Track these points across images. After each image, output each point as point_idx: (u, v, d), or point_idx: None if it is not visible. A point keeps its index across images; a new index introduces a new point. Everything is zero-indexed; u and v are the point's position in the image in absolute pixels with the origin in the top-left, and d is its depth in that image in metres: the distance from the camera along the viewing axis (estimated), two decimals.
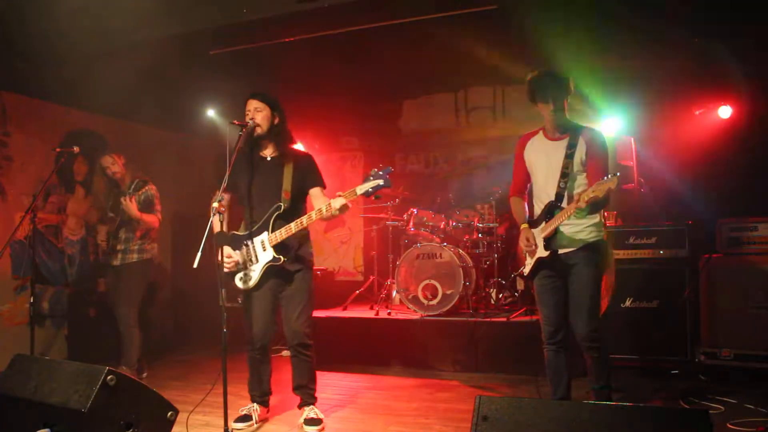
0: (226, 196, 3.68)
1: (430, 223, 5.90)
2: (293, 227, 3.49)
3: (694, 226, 4.74)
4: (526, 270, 3.46)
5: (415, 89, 7.06)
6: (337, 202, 3.36)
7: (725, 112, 5.53)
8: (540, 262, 3.36)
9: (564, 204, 3.26)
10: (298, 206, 3.66)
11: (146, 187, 4.91)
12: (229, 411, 3.28)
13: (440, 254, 5.45)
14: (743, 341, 4.33)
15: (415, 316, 5.42)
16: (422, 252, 5.53)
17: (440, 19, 4.65)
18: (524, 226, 3.44)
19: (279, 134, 3.70)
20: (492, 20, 4.62)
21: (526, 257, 3.48)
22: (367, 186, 3.24)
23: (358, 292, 6.34)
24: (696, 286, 4.57)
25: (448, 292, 5.34)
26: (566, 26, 4.77)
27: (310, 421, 3.65)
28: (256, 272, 3.58)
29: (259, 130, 3.63)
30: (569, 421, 2.07)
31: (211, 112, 6.53)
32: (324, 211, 3.41)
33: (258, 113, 3.63)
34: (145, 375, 5.01)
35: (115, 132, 6.34)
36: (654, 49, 5.01)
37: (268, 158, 3.72)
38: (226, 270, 3.57)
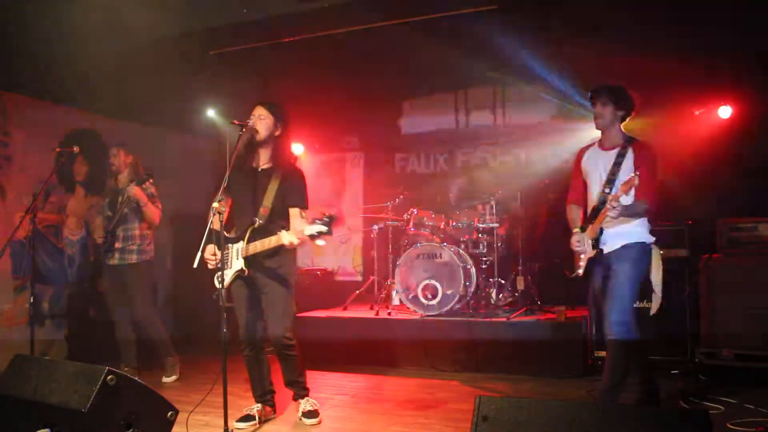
0: (227, 198, 3.73)
1: (430, 223, 5.89)
2: (258, 246, 3.53)
3: (694, 226, 4.74)
4: (581, 271, 3.56)
5: (415, 89, 7.06)
6: (285, 238, 3.39)
7: (725, 112, 5.52)
8: (591, 261, 3.49)
9: None
10: (278, 223, 3.60)
11: (148, 183, 4.82)
12: (228, 411, 3.28)
13: (440, 254, 5.45)
14: (743, 341, 4.33)
15: (415, 316, 5.42)
16: (422, 252, 5.52)
17: (440, 19, 4.66)
18: (576, 229, 3.59)
19: (276, 147, 3.70)
20: (492, 20, 4.63)
21: (579, 260, 3.58)
22: (313, 229, 3.26)
23: (358, 292, 6.34)
24: (696, 286, 4.57)
25: (448, 292, 5.34)
26: (566, 26, 4.77)
27: (308, 414, 3.75)
28: (228, 276, 3.64)
29: (257, 137, 3.63)
30: (569, 421, 2.07)
31: (211, 112, 6.52)
32: (276, 240, 3.46)
33: (261, 121, 3.63)
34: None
35: (115, 132, 6.33)
36: (654, 49, 5.01)
37: (260, 169, 3.72)
38: (209, 266, 3.63)
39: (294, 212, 3.64)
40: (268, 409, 3.84)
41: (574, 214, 3.71)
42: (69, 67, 4.97)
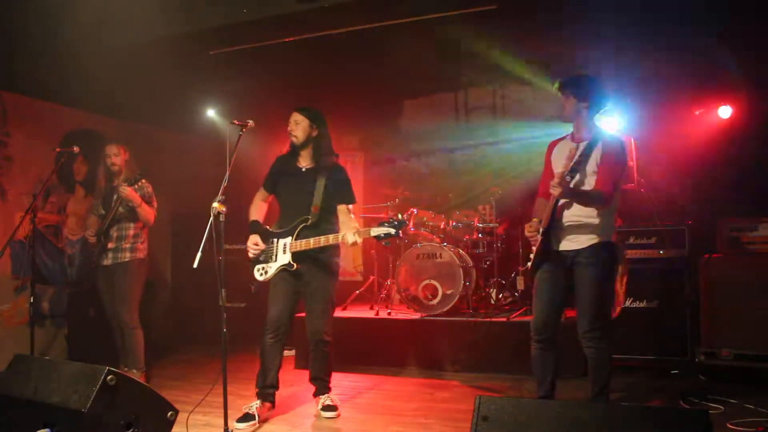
0: (265, 194, 4.04)
1: (430, 223, 5.89)
2: (312, 243, 3.71)
3: (694, 226, 4.74)
4: (529, 264, 3.47)
5: (415, 89, 7.06)
6: (350, 239, 3.59)
7: (725, 112, 5.52)
8: (539, 255, 3.38)
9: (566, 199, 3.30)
10: (327, 219, 3.85)
11: (141, 182, 4.65)
12: (228, 411, 3.28)
13: (440, 254, 5.45)
14: (743, 341, 4.32)
15: (415, 316, 5.42)
16: (422, 252, 5.52)
17: (440, 19, 4.65)
18: (535, 219, 3.45)
19: (316, 147, 3.90)
20: (492, 20, 4.62)
21: (531, 251, 3.48)
22: (381, 231, 3.46)
23: (358, 292, 6.33)
24: (696, 286, 4.56)
25: (448, 292, 5.34)
26: (566, 26, 4.77)
27: (327, 408, 3.88)
28: (272, 269, 3.82)
29: (295, 140, 3.87)
30: (569, 421, 2.07)
31: (211, 112, 6.52)
32: (339, 239, 3.67)
33: (297, 126, 3.86)
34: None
35: (115, 132, 6.34)
36: (654, 49, 5.01)
37: (304, 169, 3.92)
38: (251, 255, 3.87)
39: (342, 208, 3.89)
40: (267, 404, 3.84)
41: (540, 205, 3.54)
42: (69, 67, 4.96)
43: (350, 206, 3.91)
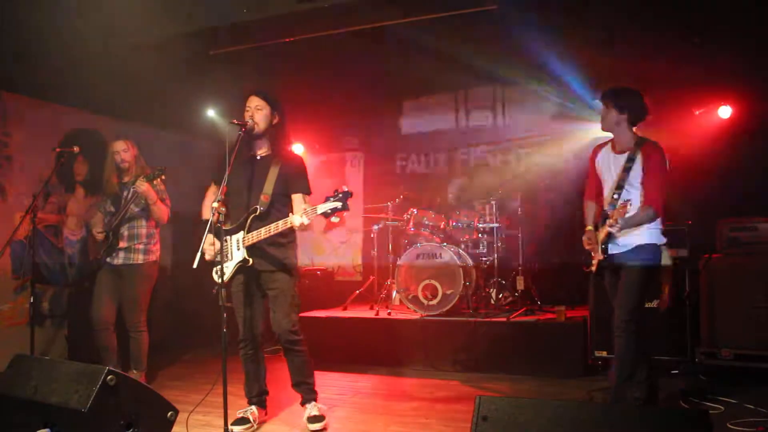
0: (217, 190, 3.72)
1: (430, 223, 5.89)
2: (263, 233, 3.49)
3: (694, 226, 4.74)
4: (593, 268, 3.63)
5: (415, 89, 7.06)
6: (297, 220, 3.34)
7: (725, 112, 5.53)
8: (600, 264, 3.57)
9: None
10: (280, 209, 3.60)
11: (158, 179, 4.53)
12: (229, 411, 3.28)
13: (440, 254, 5.45)
14: (743, 341, 4.33)
15: (415, 316, 5.42)
16: (422, 252, 5.52)
17: (440, 19, 4.66)
18: (589, 228, 3.66)
19: (275, 135, 3.70)
20: (492, 20, 4.62)
21: (592, 257, 3.66)
22: (327, 206, 3.22)
23: (358, 292, 6.34)
24: (696, 286, 4.57)
25: (448, 292, 5.34)
26: (566, 26, 4.77)
27: (313, 419, 3.65)
28: (229, 269, 3.61)
29: (255, 128, 3.62)
30: (569, 421, 2.07)
31: (211, 112, 6.51)
32: (284, 225, 3.42)
33: (258, 111, 3.62)
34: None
35: (115, 132, 6.31)
36: (654, 49, 5.01)
37: (259, 157, 3.72)
38: (207, 258, 3.58)
39: (297, 198, 3.64)
40: (261, 411, 3.80)
41: (590, 211, 3.77)
42: (69, 67, 4.96)
43: (306, 197, 3.64)
